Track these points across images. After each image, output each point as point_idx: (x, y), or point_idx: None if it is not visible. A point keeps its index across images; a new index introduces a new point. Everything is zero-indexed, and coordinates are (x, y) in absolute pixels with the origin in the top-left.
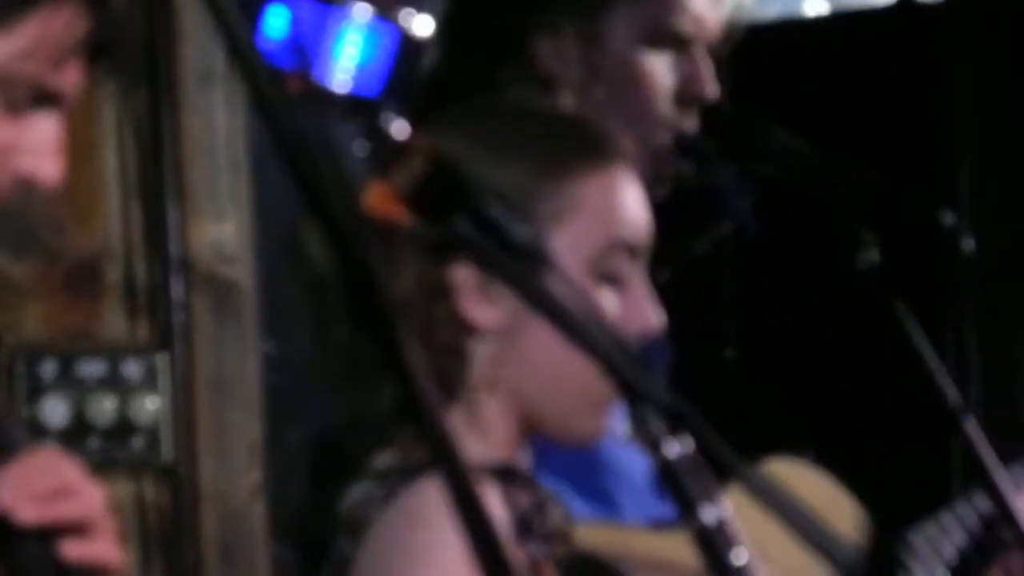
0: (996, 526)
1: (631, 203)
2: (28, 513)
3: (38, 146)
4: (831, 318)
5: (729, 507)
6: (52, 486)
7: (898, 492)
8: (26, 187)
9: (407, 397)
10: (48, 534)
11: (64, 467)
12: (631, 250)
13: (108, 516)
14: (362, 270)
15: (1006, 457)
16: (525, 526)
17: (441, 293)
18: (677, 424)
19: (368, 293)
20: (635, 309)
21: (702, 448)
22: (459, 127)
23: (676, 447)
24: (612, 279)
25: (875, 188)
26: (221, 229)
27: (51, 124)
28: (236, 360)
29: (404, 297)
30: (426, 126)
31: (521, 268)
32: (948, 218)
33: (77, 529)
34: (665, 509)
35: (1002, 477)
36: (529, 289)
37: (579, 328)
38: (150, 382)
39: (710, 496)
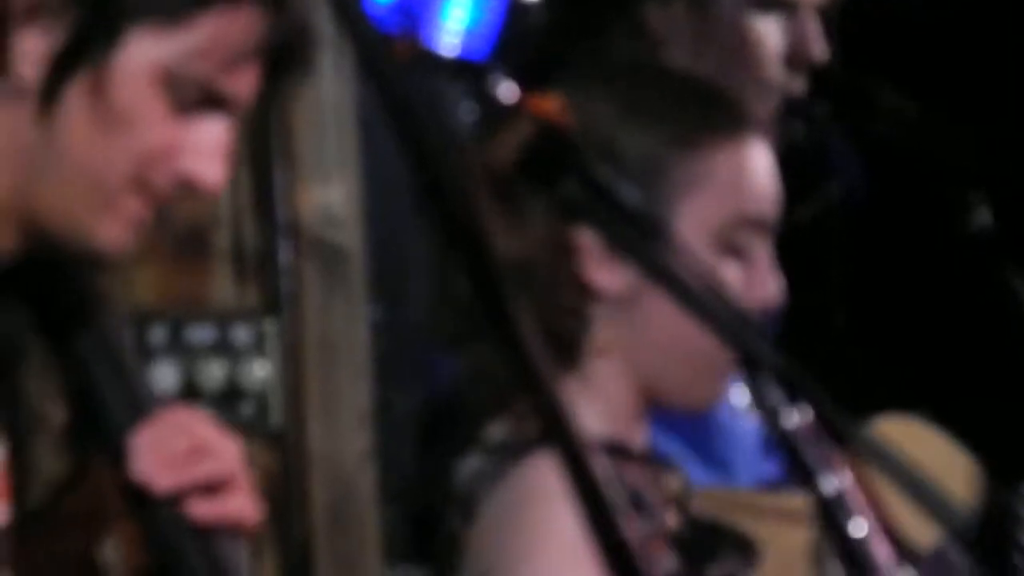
0: None
1: (762, 176)
2: (165, 481)
3: (203, 149)
4: (941, 281)
5: (849, 476)
6: (187, 446)
7: (1013, 447)
8: (187, 190)
9: (521, 366)
10: (184, 495)
11: (198, 424)
12: (759, 224)
13: (244, 471)
14: (471, 233)
15: None
16: (637, 503)
17: (565, 255)
18: (793, 392)
19: (478, 256)
20: (758, 282)
21: (818, 415)
22: (590, 86)
23: (794, 416)
24: (737, 251)
25: (985, 149)
26: (329, 193)
27: (219, 128)
28: (344, 324)
29: (528, 257)
30: (551, 85)
31: (634, 234)
32: None
33: (214, 488)
34: (775, 469)
35: None
36: (641, 255)
37: (694, 297)
38: (259, 347)
39: (830, 465)
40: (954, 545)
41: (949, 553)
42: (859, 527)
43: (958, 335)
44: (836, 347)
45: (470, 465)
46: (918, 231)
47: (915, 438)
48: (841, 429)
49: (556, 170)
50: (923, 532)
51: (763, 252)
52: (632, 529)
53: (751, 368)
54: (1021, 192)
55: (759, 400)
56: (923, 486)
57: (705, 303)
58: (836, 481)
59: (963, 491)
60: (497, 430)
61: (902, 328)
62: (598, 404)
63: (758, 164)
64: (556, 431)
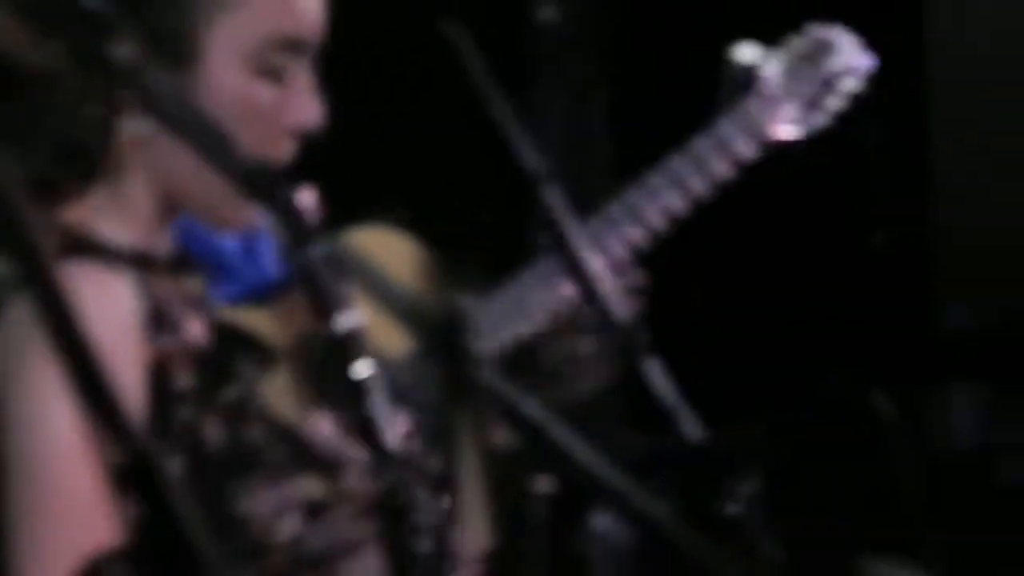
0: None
1: None
2: None
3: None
4: None
5: (361, 314)
6: None
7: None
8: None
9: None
10: None
11: None
12: (298, 45)
13: None
14: None
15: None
16: (160, 318)
17: (91, 67)
18: (307, 230)
19: None
20: (296, 105)
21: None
22: None
23: (316, 248)
24: (275, 73)
25: None
26: None
27: (303, 71)
28: None
29: (52, 68)
30: None
31: (92, 39)
32: None
33: None
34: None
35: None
36: (150, 97)
37: (202, 142)
38: None
39: (344, 302)
40: (421, 353)
41: (416, 363)
42: (360, 369)
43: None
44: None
45: None
46: None
47: (386, 246)
48: (309, 233)
49: None
50: (395, 338)
51: (303, 75)
52: (147, 348)
53: (269, 201)
54: None
55: (279, 232)
56: (394, 293)
57: (212, 148)
58: (349, 318)
59: (424, 289)
60: None
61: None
62: (124, 214)
63: None
64: (31, 272)
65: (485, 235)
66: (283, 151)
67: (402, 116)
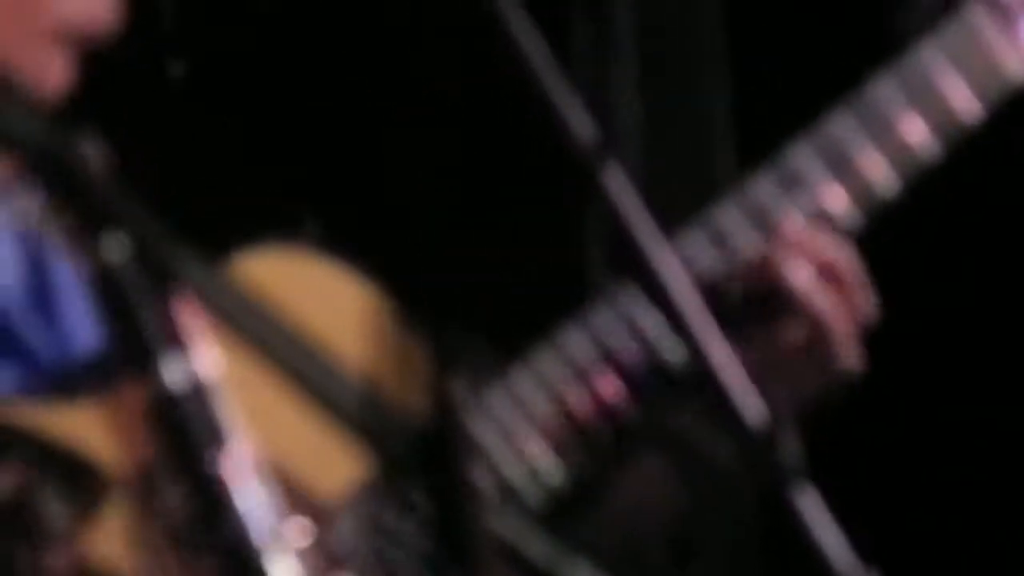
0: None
1: None
2: None
3: None
4: None
5: (216, 355)
6: None
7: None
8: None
9: None
10: None
11: None
12: None
13: None
14: None
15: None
16: None
17: None
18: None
19: None
20: None
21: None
22: None
23: (116, 247)
24: None
25: None
26: None
27: None
28: None
29: None
30: None
31: None
32: None
33: None
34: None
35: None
36: None
37: None
38: None
39: (182, 339)
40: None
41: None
42: (218, 443)
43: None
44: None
45: None
46: None
47: (292, 278)
48: (172, 268)
49: None
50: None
51: None
52: None
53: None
54: None
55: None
56: (312, 361)
57: None
58: (189, 365)
59: (358, 341)
60: None
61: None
62: None
63: None
64: None
65: (496, 267)
66: (53, 72)
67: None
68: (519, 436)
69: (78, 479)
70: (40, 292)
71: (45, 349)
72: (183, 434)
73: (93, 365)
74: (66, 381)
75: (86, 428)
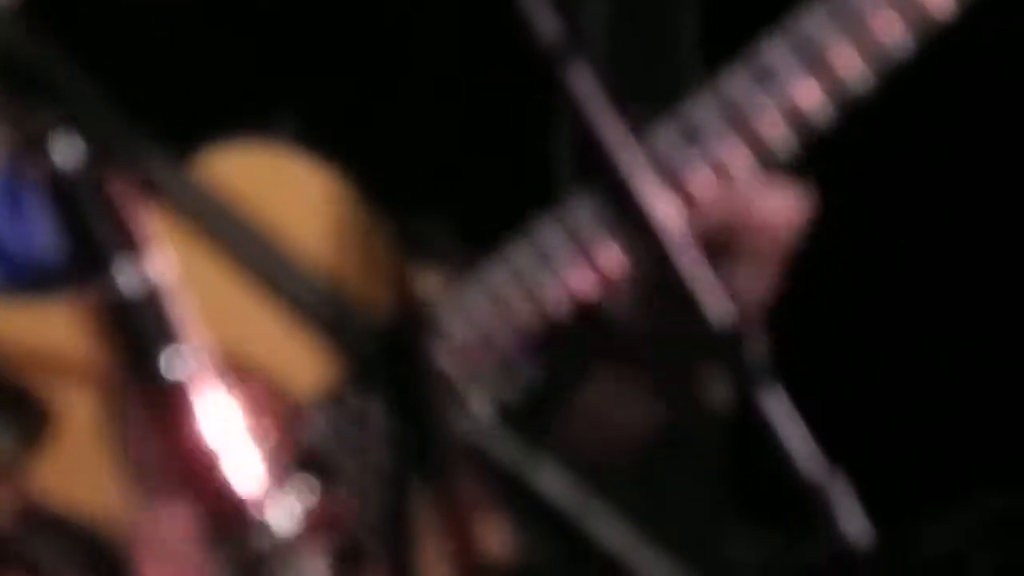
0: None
1: None
2: None
3: None
4: None
5: (167, 257)
6: None
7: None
8: None
9: None
10: None
11: None
12: None
13: None
14: None
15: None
16: None
17: None
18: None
19: None
20: None
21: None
22: None
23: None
24: None
25: None
26: None
27: None
28: None
29: None
30: None
31: None
32: None
33: None
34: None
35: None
36: None
37: None
38: None
39: (132, 242)
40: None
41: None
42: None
43: None
44: None
45: None
46: None
47: (260, 176)
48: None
49: None
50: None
51: None
52: None
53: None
54: None
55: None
56: (290, 272)
57: None
58: (143, 268)
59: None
60: None
61: None
62: None
63: None
64: None
65: (462, 167)
66: None
67: None
68: (492, 331)
69: (21, 412)
70: (10, 188)
71: (15, 245)
72: (137, 337)
73: (58, 265)
74: (39, 278)
75: (55, 328)
